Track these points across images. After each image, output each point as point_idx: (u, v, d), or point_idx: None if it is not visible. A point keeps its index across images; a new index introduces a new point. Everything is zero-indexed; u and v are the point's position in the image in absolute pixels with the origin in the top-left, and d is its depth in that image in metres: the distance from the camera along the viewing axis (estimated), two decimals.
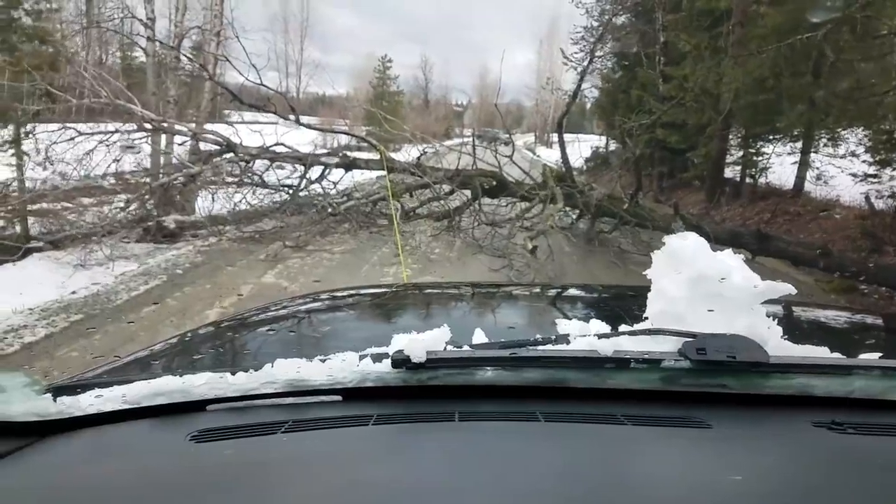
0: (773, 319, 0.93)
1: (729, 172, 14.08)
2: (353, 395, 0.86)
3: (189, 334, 1.50)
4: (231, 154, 7.89)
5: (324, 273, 6.65)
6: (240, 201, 8.28)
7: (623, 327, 0.95)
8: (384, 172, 7.94)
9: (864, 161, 10.25)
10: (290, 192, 8.25)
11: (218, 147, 7.97)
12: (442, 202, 8.43)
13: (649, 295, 1.00)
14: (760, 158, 13.04)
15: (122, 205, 7.43)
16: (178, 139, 8.40)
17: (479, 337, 0.97)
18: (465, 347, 0.91)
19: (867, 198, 9.12)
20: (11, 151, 6.93)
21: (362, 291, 2.04)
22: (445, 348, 0.89)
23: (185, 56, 10.66)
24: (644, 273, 1.02)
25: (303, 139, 9.45)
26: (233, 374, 0.87)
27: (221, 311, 5.22)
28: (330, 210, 8.19)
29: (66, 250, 6.51)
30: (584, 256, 7.86)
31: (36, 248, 6.43)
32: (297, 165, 8.28)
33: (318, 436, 0.78)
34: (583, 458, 0.74)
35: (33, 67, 7.49)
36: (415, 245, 7.80)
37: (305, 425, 0.80)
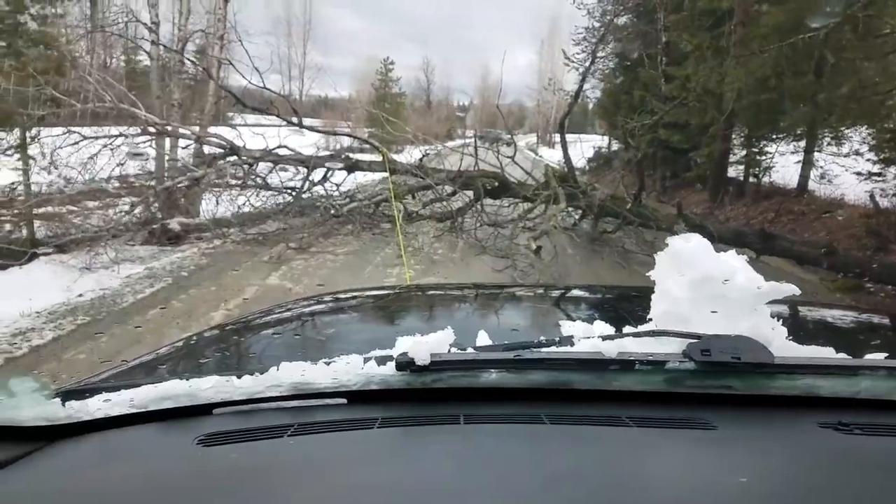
0: (778, 320, 0.93)
1: (732, 172, 14.05)
2: (357, 398, 0.87)
3: (194, 338, 1.50)
4: (235, 157, 7.91)
5: (327, 274, 6.66)
6: (243, 204, 8.30)
7: (627, 329, 0.95)
8: (386, 174, 7.95)
9: (868, 160, 10.23)
10: (294, 194, 8.27)
11: (222, 150, 7.99)
12: (444, 203, 8.44)
13: (653, 296, 1.00)
14: (764, 158, 13.00)
15: (127, 208, 7.47)
16: (181, 142, 8.43)
17: (483, 339, 0.97)
18: (469, 350, 0.91)
19: (872, 196, 9.09)
20: (17, 156, 6.97)
21: (365, 293, 2.04)
22: (449, 350, 0.89)
23: (189, 60, 10.68)
24: (648, 274, 1.02)
25: (306, 141, 9.48)
26: (238, 377, 0.87)
27: (227, 312, 5.24)
28: (333, 212, 8.20)
29: (72, 254, 6.55)
30: (588, 257, 7.85)
31: (42, 251, 6.46)
32: (300, 168, 8.30)
33: (324, 439, 0.78)
34: (589, 460, 0.74)
35: (38, 72, 7.52)
36: (418, 246, 7.81)
37: (311, 428, 0.80)
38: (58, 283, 5.84)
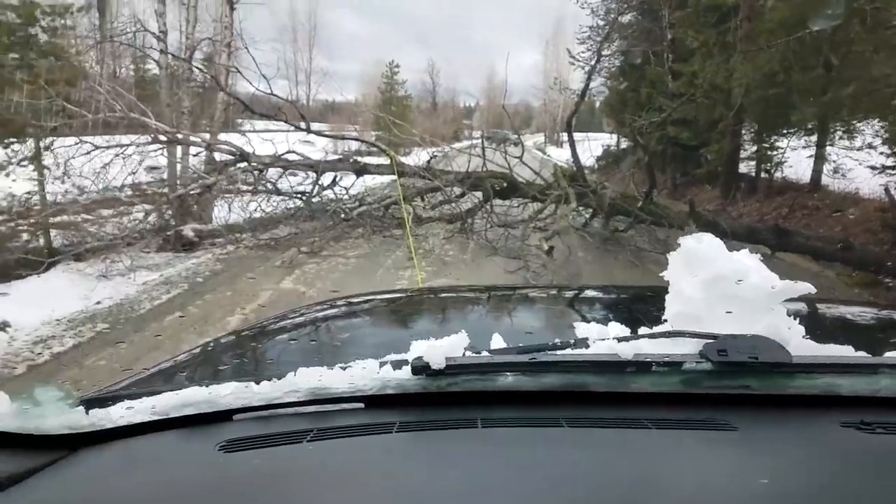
0: (794, 318, 0.92)
1: (743, 168, 13.94)
2: (374, 402, 0.87)
3: (211, 344, 1.52)
4: (245, 163, 7.97)
5: (339, 278, 6.69)
6: (255, 209, 8.36)
7: (642, 330, 0.95)
8: (395, 177, 7.97)
9: (881, 153, 10.10)
10: (304, 198, 8.32)
11: (232, 157, 8.06)
12: (453, 205, 8.44)
13: (667, 296, 0.99)
14: (775, 153, 12.89)
15: (140, 216, 7.54)
16: (192, 150, 8.50)
17: (498, 342, 0.97)
18: (484, 353, 0.91)
19: (887, 190, 8.97)
20: (32, 167, 7.06)
21: (378, 297, 2.04)
22: (464, 354, 0.89)
23: (197, 68, 10.77)
24: (661, 275, 1.02)
25: (314, 146, 9.52)
26: (257, 383, 0.88)
27: (242, 317, 5.28)
28: (343, 215, 8.23)
29: (88, 262, 6.62)
30: (601, 256, 7.82)
31: (59, 260, 6.54)
32: (309, 172, 8.34)
33: (343, 444, 0.79)
34: (608, 463, 0.74)
35: (49, 83, 7.62)
36: (428, 248, 7.82)
37: (330, 433, 0.80)
38: (75, 291, 5.92)
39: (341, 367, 0.90)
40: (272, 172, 8.20)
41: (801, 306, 1.42)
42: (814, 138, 11.94)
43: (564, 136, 11.00)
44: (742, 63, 8.81)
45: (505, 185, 8.52)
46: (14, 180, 7.50)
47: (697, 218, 7.94)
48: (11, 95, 7.98)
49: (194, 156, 8.61)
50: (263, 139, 8.35)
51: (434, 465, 0.75)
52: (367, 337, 1.56)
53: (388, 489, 0.70)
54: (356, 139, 11.34)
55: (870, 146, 10.47)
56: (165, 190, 8.08)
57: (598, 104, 27.30)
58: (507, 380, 0.87)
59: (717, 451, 0.76)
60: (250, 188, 8.24)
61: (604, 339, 0.92)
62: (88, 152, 7.26)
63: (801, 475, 0.71)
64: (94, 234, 7.08)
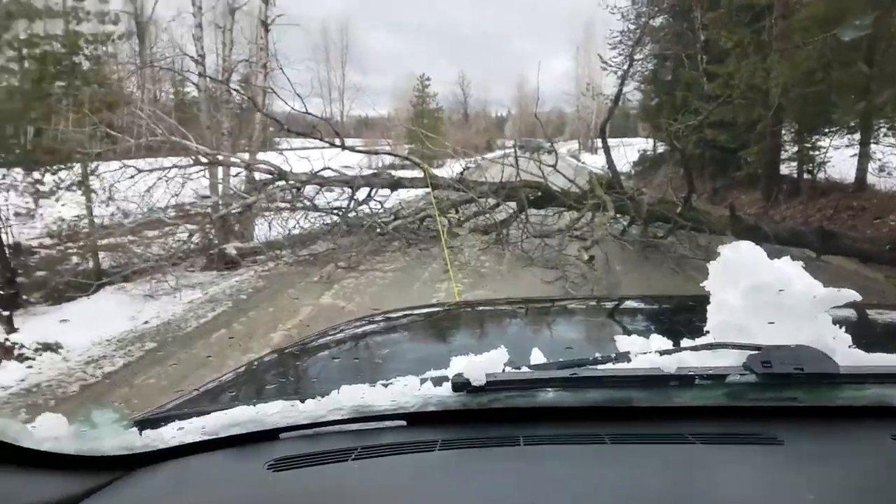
0: (840, 326, 0.89)
1: (785, 169, 13.53)
2: (416, 419, 0.87)
3: (256, 363, 1.55)
4: (283, 181, 8.15)
5: (377, 291, 6.75)
6: (294, 226, 8.53)
7: (684, 341, 0.94)
8: (429, 189, 8.02)
9: None
10: (340, 214, 8.44)
11: (270, 175, 8.25)
12: (487, 216, 8.44)
13: (708, 307, 0.98)
14: (817, 153, 12.47)
15: (185, 236, 7.76)
16: (233, 170, 8.73)
17: (537, 356, 0.97)
18: (524, 368, 0.91)
19: None
20: (80, 191, 7.35)
21: (416, 311, 2.05)
22: (504, 370, 0.88)
23: (235, 89, 11.08)
24: (702, 284, 1.01)
25: (349, 161, 9.66)
26: (302, 401, 0.89)
27: (285, 333, 5.37)
28: (379, 230, 8.32)
29: (136, 282, 6.84)
30: (640, 264, 7.69)
31: (108, 282, 6.77)
32: (344, 188, 8.47)
33: (388, 462, 0.79)
34: (654, 480, 0.73)
35: (93, 110, 7.94)
36: (464, 260, 7.83)
37: (374, 451, 0.81)
38: (124, 311, 6.12)
39: (383, 384, 0.91)
40: (309, 189, 8.36)
41: (848, 313, 1.37)
42: (857, 136, 11.52)
43: (599, 143, 10.89)
44: (779, 62, 8.61)
45: (539, 194, 8.48)
46: (63, 205, 7.84)
47: (738, 222, 7.74)
48: (58, 124, 8.36)
49: (234, 176, 8.84)
50: (300, 157, 8.53)
51: (478, 483, 0.75)
52: (407, 352, 1.56)
53: None
54: (390, 153, 11.46)
55: None
56: (209, 210, 8.31)
57: (632, 109, 26.96)
58: (549, 395, 0.86)
59: (762, 465, 0.74)
60: (289, 205, 8.42)
61: (645, 352, 0.91)
62: (132, 176, 7.53)
63: (850, 490, 0.69)
64: (140, 255, 7.31)
